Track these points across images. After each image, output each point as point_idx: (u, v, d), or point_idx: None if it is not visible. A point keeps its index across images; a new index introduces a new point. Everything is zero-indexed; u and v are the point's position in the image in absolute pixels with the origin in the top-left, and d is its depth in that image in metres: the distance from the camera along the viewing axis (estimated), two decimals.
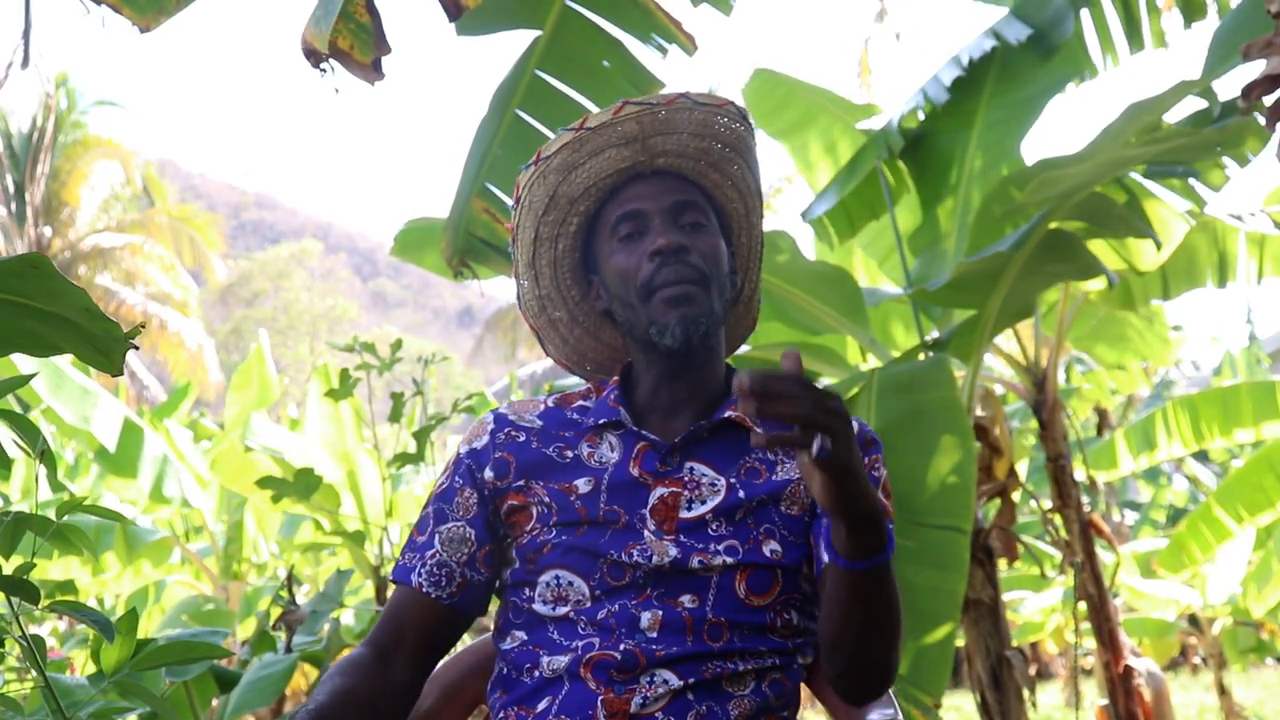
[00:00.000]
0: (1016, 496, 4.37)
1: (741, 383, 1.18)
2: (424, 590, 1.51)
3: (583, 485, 1.50)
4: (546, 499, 1.50)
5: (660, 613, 1.43)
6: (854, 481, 1.23)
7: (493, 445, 1.55)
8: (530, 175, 1.55)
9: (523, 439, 1.55)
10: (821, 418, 1.20)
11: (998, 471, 4.27)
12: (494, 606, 1.61)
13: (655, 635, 1.43)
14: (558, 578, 1.47)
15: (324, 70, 2.34)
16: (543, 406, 1.60)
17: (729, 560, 1.45)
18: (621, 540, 1.46)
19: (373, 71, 2.37)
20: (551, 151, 1.53)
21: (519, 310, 1.68)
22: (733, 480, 1.50)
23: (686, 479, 1.50)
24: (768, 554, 1.47)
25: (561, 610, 1.46)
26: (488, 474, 1.54)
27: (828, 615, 1.40)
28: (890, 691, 1.54)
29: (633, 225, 1.53)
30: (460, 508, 1.54)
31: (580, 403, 1.60)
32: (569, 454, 1.53)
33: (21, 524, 1.52)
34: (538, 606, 1.47)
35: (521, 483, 1.52)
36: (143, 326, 1.50)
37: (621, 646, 1.42)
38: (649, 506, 1.48)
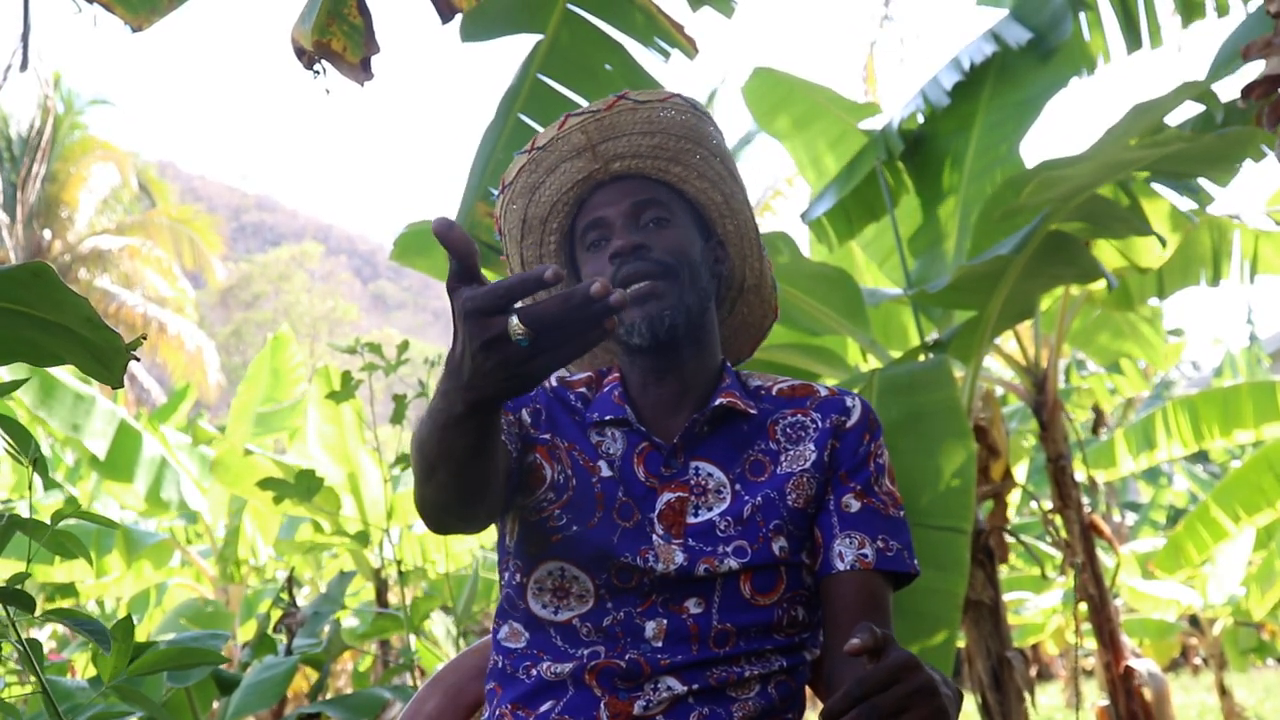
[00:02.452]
0: (1011, 498, 4.38)
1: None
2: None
3: (605, 469, 1.48)
4: (568, 469, 1.48)
5: (665, 621, 1.42)
6: None
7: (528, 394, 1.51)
8: (502, 203, 1.58)
9: (546, 399, 1.55)
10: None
11: (994, 473, 4.27)
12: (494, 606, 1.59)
13: (660, 645, 1.42)
14: (562, 570, 1.44)
15: (317, 72, 2.34)
16: (546, 384, 1.59)
17: (735, 565, 1.44)
18: (633, 542, 1.44)
19: (361, 71, 2.37)
20: (512, 177, 1.56)
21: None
22: (738, 484, 1.49)
23: (692, 482, 1.48)
24: (776, 551, 1.45)
25: (564, 615, 1.44)
26: (525, 415, 1.52)
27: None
28: None
29: (597, 233, 1.53)
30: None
31: (582, 390, 1.58)
32: (579, 441, 1.52)
33: (13, 527, 1.51)
34: (535, 607, 1.45)
35: (548, 437, 1.51)
36: (144, 338, 1.50)
37: (627, 656, 1.41)
38: (656, 511, 1.47)
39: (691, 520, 1.46)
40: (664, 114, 1.53)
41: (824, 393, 1.56)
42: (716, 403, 1.51)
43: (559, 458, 1.49)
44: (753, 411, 1.53)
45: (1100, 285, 4.69)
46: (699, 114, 1.56)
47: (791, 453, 1.51)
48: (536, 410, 1.53)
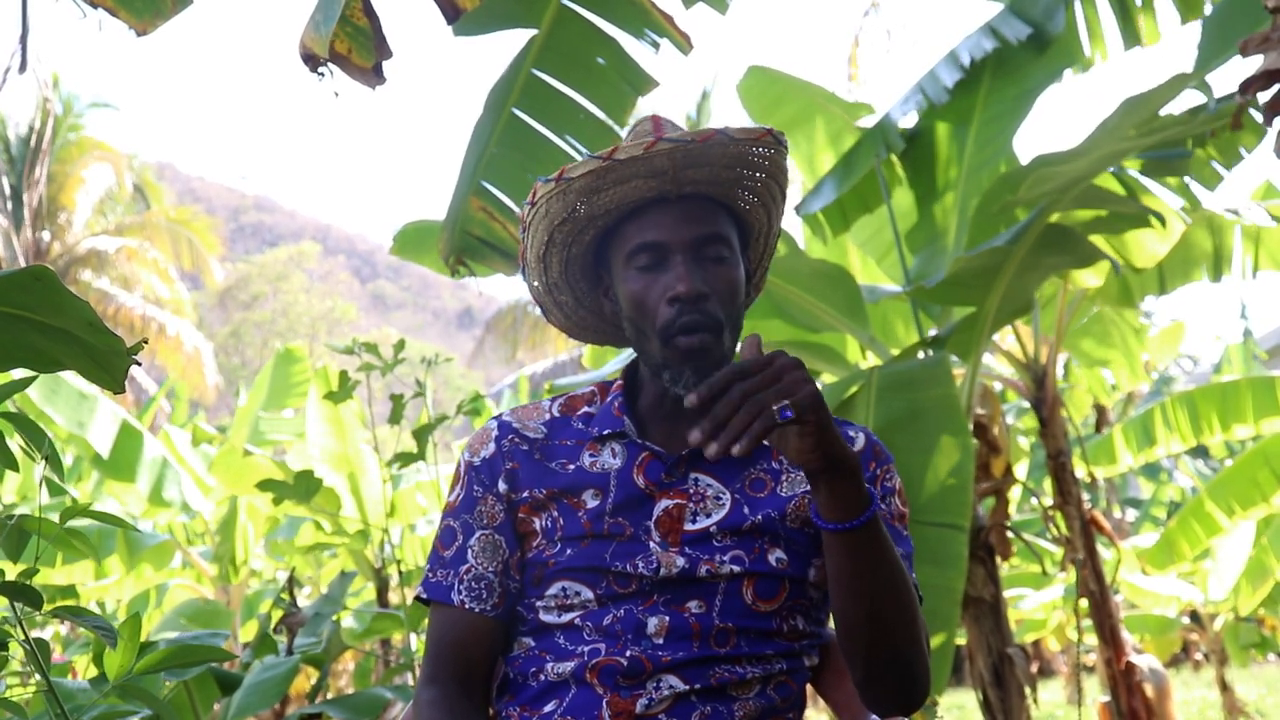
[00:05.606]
0: (1012, 494, 4.37)
1: (691, 402, 1.24)
2: (467, 607, 1.48)
3: (589, 499, 1.49)
4: (555, 513, 1.49)
5: (667, 619, 1.43)
6: (820, 430, 1.26)
7: (500, 455, 1.53)
8: (550, 190, 1.49)
9: (526, 448, 1.54)
10: (767, 393, 1.23)
11: (994, 469, 4.27)
12: None
13: (661, 641, 1.42)
14: (564, 589, 1.46)
15: (323, 75, 2.33)
16: (547, 415, 1.58)
17: (736, 569, 1.45)
18: (627, 552, 1.45)
19: (373, 75, 2.36)
20: (575, 175, 1.46)
21: (523, 281, 1.63)
22: (737, 494, 1.49)
23: (691, 491, 1.49)
24: (773, 562, 1.46)
25: (568, 617, 1.46)
26: (501, 485, 1.52)
27: (834, 602, 1.39)
28: None
29: (651, 257, 1.47)
30: (485, 516, 1.52)
31: (585, 409, 1.58)
32: (570, 466, 1.52)
33: (26, 528, 1.52)
34: (544, 616, 1.47)
35: (527, 495, 1.51)
36: (145, 342, 1.50)
37: (628, 653, 1.42)
38: (654, 519, 1.47)
39: (689, 527, 1.47)
40: (754, 150, 1.48)
41: None
42: None
43: (543, 506, 1.50)
44: (765, 442, 1.53)
45: (1099, 283, 4.68)
46: (783, 148, 1.51)
47: (794, 475, 1.51)
48: (512, 471, 1.53)
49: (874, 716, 1.53)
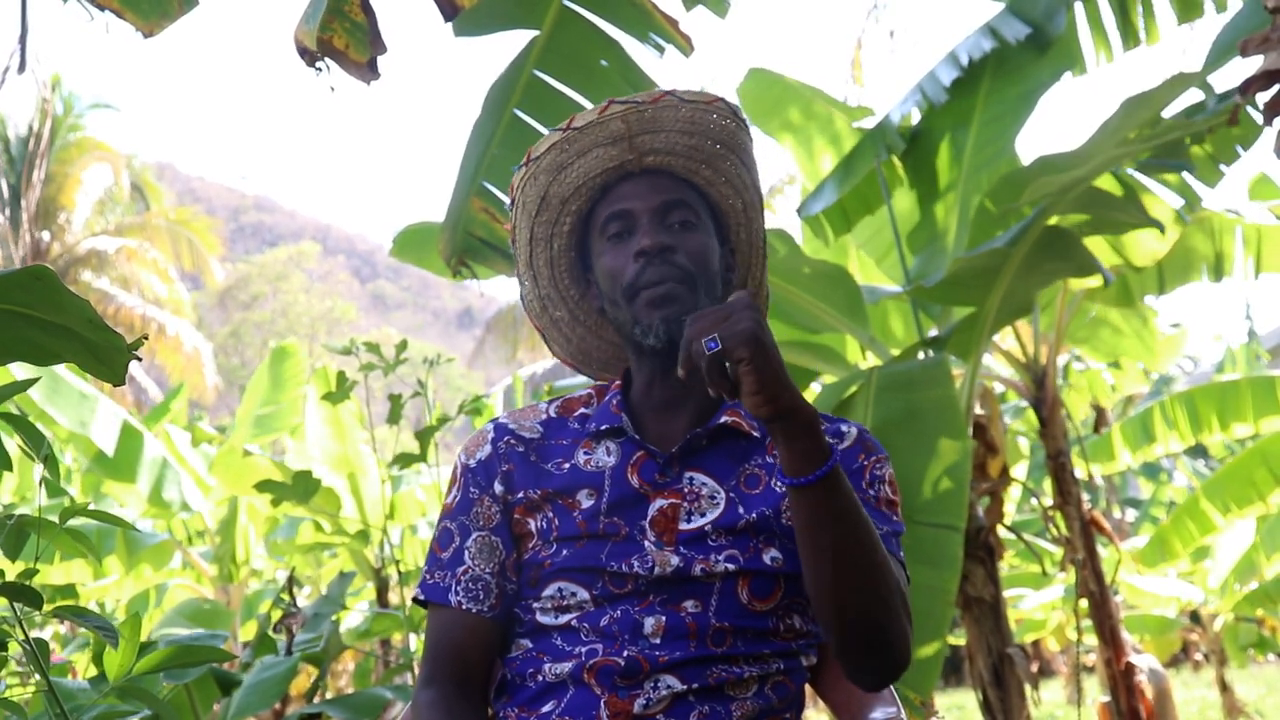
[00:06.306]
0: (1009, 495, 4.37)
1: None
2: (465, 608, 1.49)
3: (584, 499, 1.49)
4: (550, 514, 1.50)
5: (663, 618, 1.43)
6: (758, 370, 1.26)
7: (496, 457, 1.55)
8: (522, 176, 1.56)
9: (522, 449, 1.55)
10: (706, 325, 1.28)
11: (992, 470, 4.28)
12: None
13: (659, 641, 1.42)
14: (560, 589, 1.47)
15: (319, 69, 2.34)
16: (544, 415, 1.60)
17: (731, 568, 1.45)
18: (622, 552, 1.46)
19: (368, 71, 2.37)
20: (540, 152, 1.54)
21: (523, 309, 1.68)
22: (732, 493, 1.49)
23: (686, 490, 1.49)
24: (768, 561, 1.46)
25: (565, 619, 1.46)
26: (497, 487, 1.53)
27: (804, 566, 1.37)
28: (893, 692, 1.54)
29: (621, 225, 1.53)
30: (481, 518, 1.53)
31: (582, 410, 1.59)
32: (565, 465, 1.53)
33: (26, 528, 1.52)
34: (541, 617, 1.48)
35: (522, 496, 1.52)
36: (145, 338, 1.50)
37: (625, 653, 1.42)
38: (648, 518, 1.48)
39: (684, 526, 1.47)
40: (707, 117, 1.54)
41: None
42: (721, 420, 1.52)
43: (538, 507, 1.51)
44: (755, 434, 1.54)
45: (1099, 283, 4.69)
46: (739, 121, 1.56)
47: None
48: (507, 473, 1.54)
49: (875, 715, 1.53)
